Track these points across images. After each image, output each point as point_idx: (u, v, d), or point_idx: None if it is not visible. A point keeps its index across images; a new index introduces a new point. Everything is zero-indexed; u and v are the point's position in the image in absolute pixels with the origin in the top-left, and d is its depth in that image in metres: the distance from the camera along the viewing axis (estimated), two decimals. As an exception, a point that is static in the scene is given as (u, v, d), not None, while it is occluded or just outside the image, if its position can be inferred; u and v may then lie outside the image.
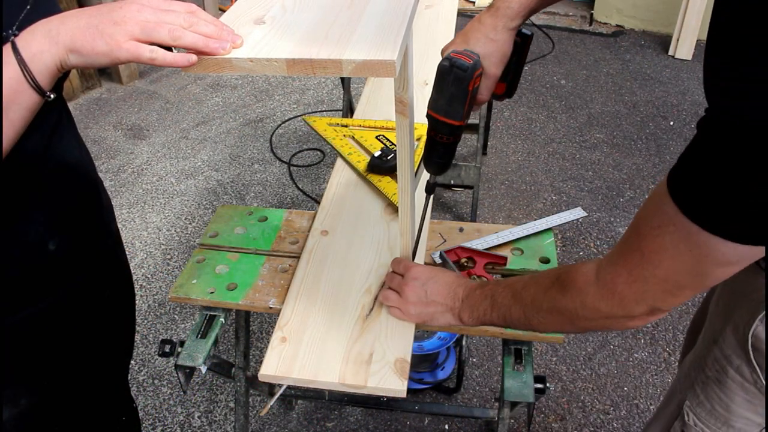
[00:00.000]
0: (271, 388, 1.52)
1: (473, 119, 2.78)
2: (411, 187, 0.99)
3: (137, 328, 2.12)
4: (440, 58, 0.90)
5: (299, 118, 3.34)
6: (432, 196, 1.06)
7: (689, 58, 3.85)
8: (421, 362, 1.89)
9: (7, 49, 0.66)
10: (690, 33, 3.83)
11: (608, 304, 0.72)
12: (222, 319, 1.13)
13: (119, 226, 2.56)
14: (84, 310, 1.02)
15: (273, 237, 1.26)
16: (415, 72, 1.73)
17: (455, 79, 0.87)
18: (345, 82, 2.49)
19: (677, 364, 1.98)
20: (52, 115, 0.88)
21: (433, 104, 0.92)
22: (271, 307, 1.10)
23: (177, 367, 1.07)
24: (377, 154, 1.41)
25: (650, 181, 2.82)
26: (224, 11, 0.85)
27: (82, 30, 0.66)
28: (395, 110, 0.90)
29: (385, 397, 1.63)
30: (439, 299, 0.97)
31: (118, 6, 0.68)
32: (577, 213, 1.29)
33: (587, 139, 3.14)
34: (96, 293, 1.04)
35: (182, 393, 1.91)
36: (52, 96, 0.69)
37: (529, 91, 3.58)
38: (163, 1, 0.70)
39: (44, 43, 0.66)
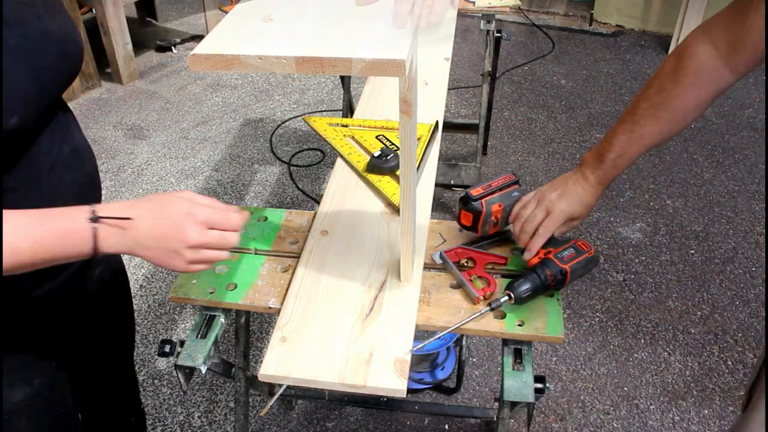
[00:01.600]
0: (271, 388, 1.52)
1: (473, 119, 2.78)
2: (413, 186, 0.99)
3: (137, 328, 2.12)
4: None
5: (299, 118, 3.34)
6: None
7: (689, 58, 3.85)
8: (421, 362, 1.89)
9: (87, 232, 0.76)
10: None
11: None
12: (222, 319, 1.13)
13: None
14: (85, 290, 1.07)
15: (273, 237, 1.25)
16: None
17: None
18: (345, 81, 2.48)
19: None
20: (61, 117, 0.90)
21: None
22: (270, 307, 1.10)
23: (177, 367, 1.06)
24: (377, 154, 1.41)
25: (650, 181, 2.82)
26: (225, 11, 0.85)
27: (154, 252, 0.80)
28: (399, 110, 0.90)
29: (385, 397, 1.63)
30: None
31: (184, 230, 0.80)
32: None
33: (587, 139, 3.14)
34: (90, 273, 1.08)
35: (182, 393, 1.91)
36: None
37: (529, 91, 3.58)
38: (220, 216, 0.83)
39: (120, 248, 0.79)
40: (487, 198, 1.17)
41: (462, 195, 1.19)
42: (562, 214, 1.10)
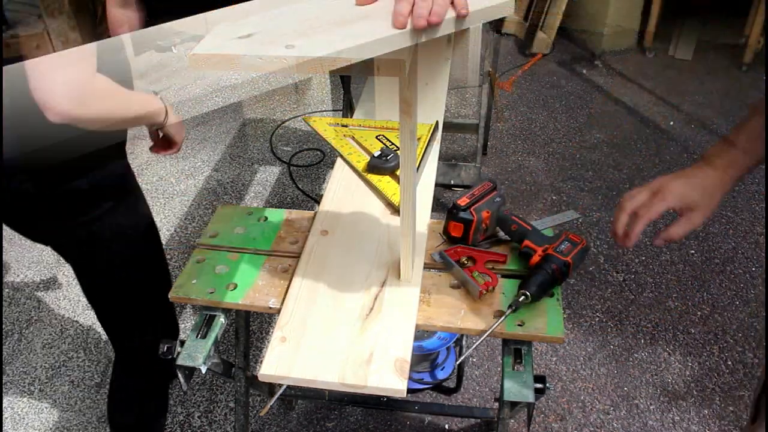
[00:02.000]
0: (271, 388, 1.52)
1: (473, 119, 2.77)
2: (413, 186, 0.99)
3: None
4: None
5: (299, 118, 3.34)
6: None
7: (689, 58, 3.85)
8: (421, 362, 1.88)
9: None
10: (690, 33, 3.83)
11: None
12: (222, 319, 1.13)
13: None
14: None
15: (273, 237, 1.26)
16: (415, 72, 1.73)
17: None
18: (345, 82, 2.48)
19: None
20: None
21: None
22: (271, 307, 1.10)
23: (177, 367, 1.06)
24: (377, 154, 1.41)
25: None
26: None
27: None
28: (399, 110, 0.90)
29: (385, 397, 1.63)
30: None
31: None
32: (569, 215, 1.33)
33: (587, 139, 3.14)
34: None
35: (182, 393, 1.91)
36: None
37: (529, 91, 3.58)
38: None
39: None
40: (475, 206, 1.19)
41: (449, 207, 1.20)
42: (672, 195, 0.91)
